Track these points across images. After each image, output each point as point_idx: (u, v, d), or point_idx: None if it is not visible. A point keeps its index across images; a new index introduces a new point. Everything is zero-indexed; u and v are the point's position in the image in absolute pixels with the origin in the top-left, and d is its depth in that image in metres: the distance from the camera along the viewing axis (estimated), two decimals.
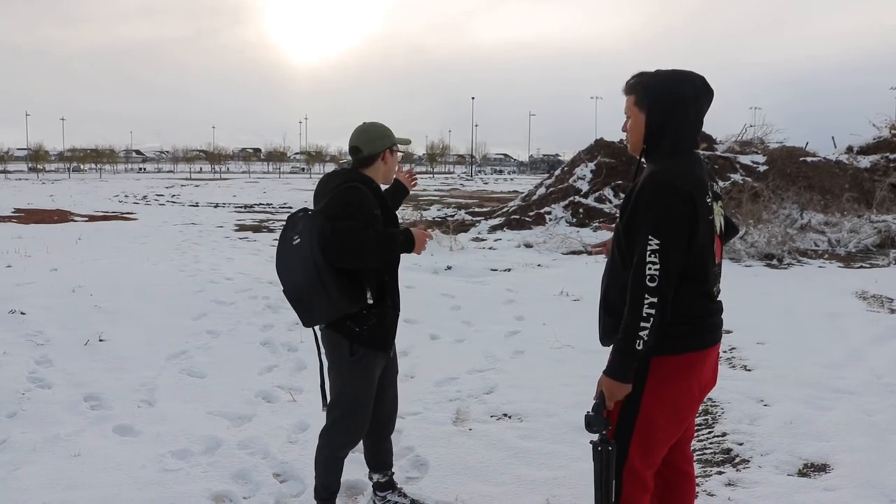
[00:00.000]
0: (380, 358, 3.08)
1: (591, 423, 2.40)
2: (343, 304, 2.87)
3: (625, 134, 2.57)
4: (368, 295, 2.96)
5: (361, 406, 3.09)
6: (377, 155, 3.08)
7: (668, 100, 2.40)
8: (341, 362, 3.03)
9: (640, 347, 2.29)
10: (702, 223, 2.33)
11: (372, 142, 3.09)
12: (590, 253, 3.34)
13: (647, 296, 2.26)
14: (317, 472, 3.21)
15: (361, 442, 3.34)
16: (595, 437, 2.44)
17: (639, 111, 2.46)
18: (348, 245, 2.80)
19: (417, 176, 3.67)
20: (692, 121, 2.43)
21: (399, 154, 3.18)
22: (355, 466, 3.61)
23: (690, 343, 2.41)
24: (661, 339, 2.32)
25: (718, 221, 2.48)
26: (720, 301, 2.52)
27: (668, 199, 2.29)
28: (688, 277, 2.35)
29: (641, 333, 2.27)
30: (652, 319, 2.26)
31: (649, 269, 2.26)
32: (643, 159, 2.51)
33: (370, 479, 3.45)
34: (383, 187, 3.20)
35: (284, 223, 3.05)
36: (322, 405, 3.15)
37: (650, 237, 2.27)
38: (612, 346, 2.43)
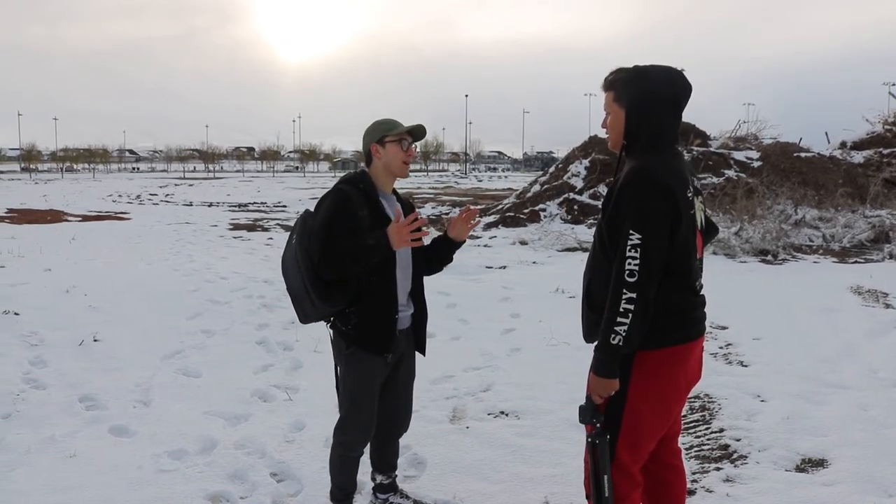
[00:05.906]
0: (377, 363, 3.04)
1: (580, 414, 2.44)
2: (321, 305, 2.92)
3: (605, 131, 2.57)
4: (345, 295, 2.95)
5: (362, 404, 3.08)
6: (368, 152, 3.08)
7: (647, 96, 2.40)
8: (339, 358, 3.09)
9: (616, 343, 2.28)
10: (684, 217, 2.34)
11: (363, 140, 3.10)
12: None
13: (625, 291, 2.26)
14: (331, 472, 3.22)
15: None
16: (587, 431, 2.45)
17: (618, 108, 2.47)
18: (324, 262, 2.85)
19: (474, 212, 3.18)
20: (671, 116, 2.44)
21: (405, 142, 3.03)
22: None
23: (675, 336, 2.42)
24: (645, 334, 2.32)
25: (699, 216, 2.50)
26: (703, 295, 2.53)
27: (650, 193, 2.29)
28: (671, 271, 2.35)
29: (618, 329, 2.27)
30: (630, 315, 2.26)
31: (629, 263, 2.26)
32: (624, 155, 2.51)
33: (373, 479, 3.42)
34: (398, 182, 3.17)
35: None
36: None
37: (631, 231, 2.27)
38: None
